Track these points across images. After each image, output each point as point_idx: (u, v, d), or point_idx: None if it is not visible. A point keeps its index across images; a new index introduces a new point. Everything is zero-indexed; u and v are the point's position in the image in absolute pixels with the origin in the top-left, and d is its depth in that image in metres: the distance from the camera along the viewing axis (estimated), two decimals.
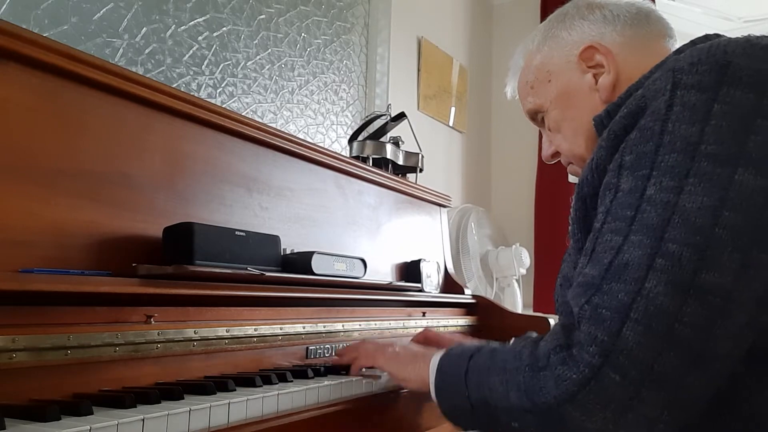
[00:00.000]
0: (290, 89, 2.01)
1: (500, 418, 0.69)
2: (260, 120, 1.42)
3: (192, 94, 1.33)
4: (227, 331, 0.91)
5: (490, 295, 2.55)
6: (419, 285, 1.51)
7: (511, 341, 0.76)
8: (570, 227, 0.77)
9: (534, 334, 0.79)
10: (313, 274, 1.08)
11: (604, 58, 0.81)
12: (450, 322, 1.56)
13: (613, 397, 0.58)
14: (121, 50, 1.49)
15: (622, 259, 0.60)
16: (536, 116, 0.92)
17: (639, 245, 0.59)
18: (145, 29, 1.55)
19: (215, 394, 0.75)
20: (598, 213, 0.67)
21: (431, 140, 2.61)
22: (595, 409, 0.59)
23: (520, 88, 0.94)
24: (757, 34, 0.65)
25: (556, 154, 0.91)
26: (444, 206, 1.83)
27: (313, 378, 0.92)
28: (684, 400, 0.59)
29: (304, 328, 1.06)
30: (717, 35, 0.70)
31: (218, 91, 1.75)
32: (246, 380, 0.83)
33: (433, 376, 0.79)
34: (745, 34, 0.65)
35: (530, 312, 2.77)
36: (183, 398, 0.71)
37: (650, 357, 0.57)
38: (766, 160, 0.57)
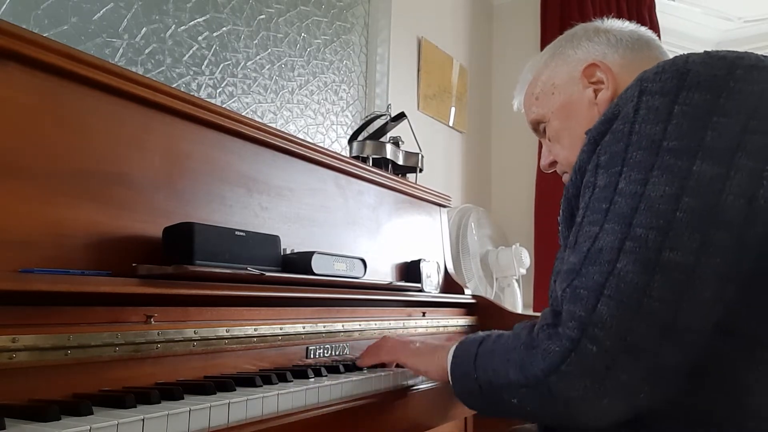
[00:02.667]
0: (290, 89, 2.01)
1: (503, 396, 0.74)
2: (260, 120, 1.42)
3: (192, 94, 1.33)
4: (227, 331, 0.91)
5: (490, 295, 2.55)
6: (419, 285, 1.51)
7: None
8: (560, 228, 0.82)
9: None
10: (313, 274, 1.08)
11: (604, 75, 0.89)
12: (450, 322, 1.56)
13: (592, 367, 0.63)
14: (121, 50, 1.49)
15: (598, 246, 0.66)
16: (538, 126, 0.99)
17: (611, 232, 0.66)
18: (145, 29, 1.55)
19: (215, 394, 0.75)
20: (580, 209, 0.74)
21: (431, 140, 2.61)
22: (575, 379, 0.65)
23: (525, 99, 1.01)
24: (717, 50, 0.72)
25: (553, 164, 0.99)
26: (444, 206, 1.83)
27: (313, 378, 0.92)
28: (660, 371, 0.64)
29: (304, 328, 1.06)
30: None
31: (218, 91, 1.75)
32: (246, 380, 0.83)
33: (449, 363, 0.85)
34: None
35: (530, 312, 2.77)
36: (183, 398, 0.71)
37: (623, 329, 0.62)
38: (721, 151, 0.63)
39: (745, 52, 0.70)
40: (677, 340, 0.63)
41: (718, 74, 0.66)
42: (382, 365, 1.07)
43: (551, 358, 0.66)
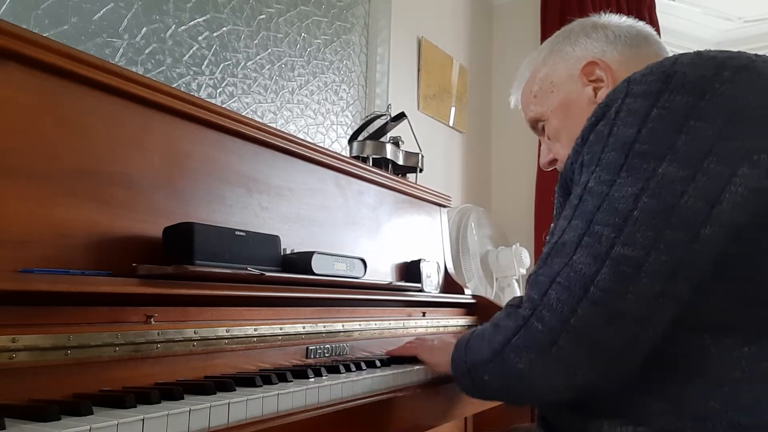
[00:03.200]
0: (290, 89, 2.01)
1: (482, 375, 0.79)
2: (260, 120, 1.42)
3: (192, 94, 1.33)
4: (227, 331, 0.91)
5: (490, 295, 2.55)
6: (419, 285, 1.51)
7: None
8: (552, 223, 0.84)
9: None
10: (313, 274, 1.08)
11: (603, 73, 0.89)
12: (450, 322, 1.56)
13: (536, 342, 0.70)
14: (121, 50, 1.49)
15: (563, 240, 0.71)
16: (537, 125, 0.99)
17: (575, 228, 0.70)
18: (145, 29, 1.55)
19: (215, 394, 0.75)
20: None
21: (431, 140, 2.61)
22: (522, 352, 0.71)
23: (523, 97, 1.01)
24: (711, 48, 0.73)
25: (553, 162, 0.98)
26: (444, 206, 1.83)
27: (313, 378, 0.92)
28: (600, 355, 0.68)
29: (304, 328, 1.06)
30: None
31: (218, 91, 1.75)
32: (246, 380, 0.83)
33: (451, 351, 0.88)
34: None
35: None
36: (183, 398, 0.71)
37: (568, 312, 0.67)
38: (691, 155, 0.65)
39: (738, 52, 0.70)
40: (620, 328, 0.66)
41: (705, 75, 0.66)
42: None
43: (504, 333, 0.74)
